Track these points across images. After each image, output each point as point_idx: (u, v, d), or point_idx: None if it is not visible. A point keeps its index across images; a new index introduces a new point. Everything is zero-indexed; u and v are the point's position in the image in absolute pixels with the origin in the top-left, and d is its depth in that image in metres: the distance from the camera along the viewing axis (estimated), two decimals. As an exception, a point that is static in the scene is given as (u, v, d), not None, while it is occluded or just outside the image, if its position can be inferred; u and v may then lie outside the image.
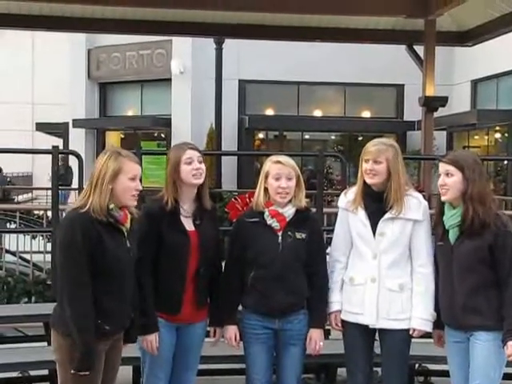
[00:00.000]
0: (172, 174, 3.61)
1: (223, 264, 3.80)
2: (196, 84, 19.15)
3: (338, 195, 4.19)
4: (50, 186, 6.10)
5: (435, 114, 12.33)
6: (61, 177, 9.62)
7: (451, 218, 3.51)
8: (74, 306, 3.09)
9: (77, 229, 3.11)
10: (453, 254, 3.50)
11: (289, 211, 3.66)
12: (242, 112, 19.86)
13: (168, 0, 10.66)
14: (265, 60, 18.32)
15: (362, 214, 3.69)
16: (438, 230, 3.63)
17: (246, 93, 20.05)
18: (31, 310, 5.68)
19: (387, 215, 3.63)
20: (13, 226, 9.31)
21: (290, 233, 3.64)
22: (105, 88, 21.93)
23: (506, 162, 17.63)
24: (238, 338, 3.71)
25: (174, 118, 19.62)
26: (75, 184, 6.16)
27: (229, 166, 17.64)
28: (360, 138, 20.06)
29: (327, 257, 3.85)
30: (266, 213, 3.65)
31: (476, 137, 19.92)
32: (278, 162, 3.66)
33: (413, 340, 3.73)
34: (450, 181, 3.50)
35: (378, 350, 3.79)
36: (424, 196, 3.85)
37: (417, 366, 5.13)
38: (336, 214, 3.91)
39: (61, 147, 15.14)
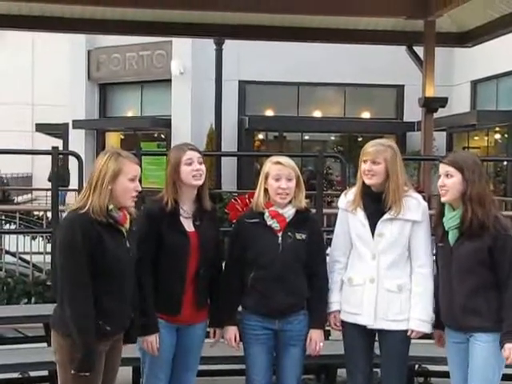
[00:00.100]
0: (172, 175, 3.61)
1: (223, 265, 3.80)
2: (196, 85, 19.14)
3: (337, 196, 4.19)
4: (49, 186, 6.10)
5: (435, 115, 12.34)
6: (60, 177, 9.61)
7: (451, 220, 3.51)
8: (74, 306, 3.09)
9: (77, 229, 3.11)
10: (452, 255, 3.50)
11: (289, 212, 3.66)
12: (241, 113, 19.85)
13: (168, 1, 10.66)
14: (265, 61, 18.32)
15: (361, 214, 3.70)
16: (437, 231, 3.63)
17: (245, 93, 20.05)
18: (31, 310, 5.67)
19: (386, 216, 3.63)
20: (13, 226, 9.31)
21: (290, 233, 3.64)
22: (105, 89, 21.93)
23: (505, 162, 17.60)
24: (237, 338, 3.71)
25: (174, 118, 19.61)
26: (75, 185, 6.13)
27: (229, 166, 17.62)
28: (360, 139, 20.01)
29: (327, 257, 3.85)
30: (266, 213, 3.65)
31: (476, 137, 19.90)
32: (278, 162, 3.66)
33: (413, 341, 3.72)
34: (449, 182, 3.50)
35: (378, 351, 3.79)
36: (424, 197, 3.85)
37: (417, 366, 5.12)
38: (336, 215, 3.91)
39: (60, 148, 15.11)
